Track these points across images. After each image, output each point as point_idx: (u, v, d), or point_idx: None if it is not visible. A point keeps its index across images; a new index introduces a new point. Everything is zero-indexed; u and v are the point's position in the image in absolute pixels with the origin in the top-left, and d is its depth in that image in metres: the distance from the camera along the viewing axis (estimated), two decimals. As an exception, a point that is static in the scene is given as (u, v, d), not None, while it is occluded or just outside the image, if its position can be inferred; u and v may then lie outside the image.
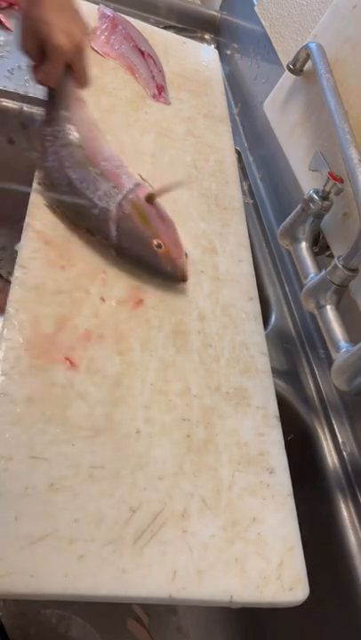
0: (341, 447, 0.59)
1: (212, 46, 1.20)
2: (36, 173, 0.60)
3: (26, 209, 0.57)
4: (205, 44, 1.13)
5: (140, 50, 0.87)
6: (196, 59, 0.97)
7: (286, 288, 0.76)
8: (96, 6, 0.89)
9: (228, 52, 1.15)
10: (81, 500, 0.41)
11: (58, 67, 0.58)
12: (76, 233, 0.57)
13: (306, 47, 0.62)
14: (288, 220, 0.59)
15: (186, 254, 0.58)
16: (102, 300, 0.53)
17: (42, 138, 0.61)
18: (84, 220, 0.57)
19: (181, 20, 1.20)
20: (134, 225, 0.56)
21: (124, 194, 0.58)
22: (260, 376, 0.55)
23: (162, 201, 0.60)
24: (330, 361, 0.50)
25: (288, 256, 0.78)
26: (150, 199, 0.58)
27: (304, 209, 0.56)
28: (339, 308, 0.52)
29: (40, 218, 0.57)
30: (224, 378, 0.53)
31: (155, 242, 0.55)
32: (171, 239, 0.57)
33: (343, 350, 0.49)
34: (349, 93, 0.56)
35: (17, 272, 0.52)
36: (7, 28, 0.85)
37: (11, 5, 0.88)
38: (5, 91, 0.76)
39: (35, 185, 0.59)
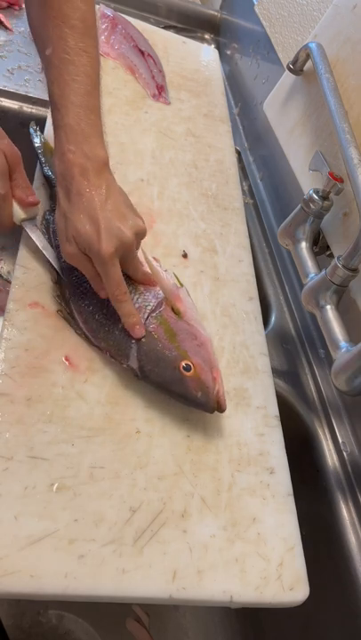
0: (341, 447, 0.59)
1: (212, 46, 1.20)
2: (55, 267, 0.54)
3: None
4: (205, 44, 1.12)
5: (140, 50, 0.87)
6: (196, 59, 0.97)
7: (286, 288, 0.76)
8: (96, 6, 0.89)
9: (228, 52, 1.15)
10: (81, 500, 0.41)
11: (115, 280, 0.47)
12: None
13: (306, 47, 0.62)
14: (288, 219, 0.59)
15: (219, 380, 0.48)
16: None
17: None
18: (105, 337, 0.49)
19: (181, 20, 1.20)
20: (159, 343, 0.48)
21: (153, 307, 0.50)
22: (260, 376, 0.55)
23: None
24: (330, 361, 0.50)
25: (288, 256, 0.78)
26: (179, 312, 0.50)
27: (304, 209, 0.56)
28: (339, 308, 0.52)
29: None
30: (224, 378, 0.53)
31: (182, 363, 0.47)
32: (203, 359, 0.48)
33: (343, 350, 0.49)
34: (349, 93, 0.56)
35: (17, 272, 0.52)
36: (7, 28, 0.85)
37: (11, 5, 0.88)
38: (5, 91, 0.76)
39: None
